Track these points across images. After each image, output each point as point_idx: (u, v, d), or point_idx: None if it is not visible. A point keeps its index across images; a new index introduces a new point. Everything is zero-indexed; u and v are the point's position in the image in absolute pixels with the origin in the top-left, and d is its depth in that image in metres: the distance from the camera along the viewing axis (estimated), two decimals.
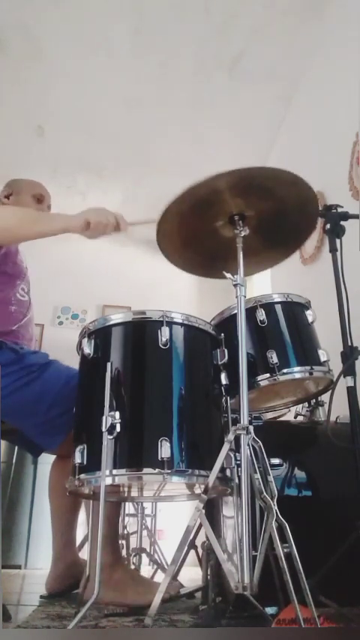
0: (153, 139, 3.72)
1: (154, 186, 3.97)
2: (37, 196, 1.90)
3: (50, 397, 1.50)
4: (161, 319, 1.31)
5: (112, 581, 1.35)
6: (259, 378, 1.46)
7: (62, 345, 1.95)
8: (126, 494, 1.57)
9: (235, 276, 1.30)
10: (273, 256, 1.57)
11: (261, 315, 1.53)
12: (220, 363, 1.36)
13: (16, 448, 3.37)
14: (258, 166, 1.27)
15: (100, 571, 1.10)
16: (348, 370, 1.38)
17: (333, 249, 1.55)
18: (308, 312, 1.60)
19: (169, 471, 1.14)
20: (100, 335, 1.35)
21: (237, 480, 1.12)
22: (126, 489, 1.53)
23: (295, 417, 1.76)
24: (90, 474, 1.20)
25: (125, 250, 4.58)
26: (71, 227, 1.49)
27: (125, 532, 2.39)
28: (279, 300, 1.59)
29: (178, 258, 1.52)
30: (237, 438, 1.13)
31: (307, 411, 1.72)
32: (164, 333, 1.28)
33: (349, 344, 1.43)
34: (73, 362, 1.49)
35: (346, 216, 1.58)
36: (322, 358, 1.51)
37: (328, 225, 1.57)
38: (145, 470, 1.16)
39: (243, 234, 1.36)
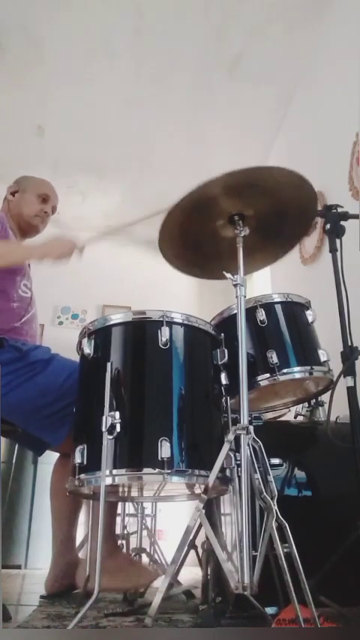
0: (153, 139, 3.72)
1: (154, 186, 3.97)
2: (43, 196, 1.90)
3: (53, 391, 1.50)
4: (161, 319, 1.31)
5: (106, 570, 1.36)
6: (259, 378, 1.46)
7: (62, 345, 1.94)
8: (126, 494, 1.57)
9: (235, 276, 1.30)
10: (273, 253, 1.57)
11: (261, 315, 1.53)
12: (220, 363, 1.36)
13: (16, 448, 3.37)
14: (252, 167, 1.28)
15: (97, 564, 1.10)
16: (348, 370, 1.38)
17: (333, 249, 1.55)
18: (308, 312, 1.60)
19: (169, 471, 1.14)
20: (100, 335, 1.35)
21: (237, 480, 1.12)
22: (126, 489, 1.53)
23: (295, 417, 1.76)
24: (90, 474, 1.20)
25: (125, 250, 4.57)
26: (32, 257, 1.63)
27: (125, 532, 2.39)
28: (279, 300, 1.59)
29: (180, 262, 1.53)
30: (237, 438, 1.13)
31: (307, 411, 1.72)
32: (164, 333, 1.29)
33: (349, 344, 1.43)
34: None
35: (346, 216, 1.58)
36: (322, 358, 1.51)
37: (328, 225, 1.57)
38: (145, 470, 1.16)
39: (243, 234, 1.36)
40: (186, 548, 1.66)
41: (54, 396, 1.49)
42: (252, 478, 1.09)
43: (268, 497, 1.08)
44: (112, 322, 1.35)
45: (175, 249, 1.48)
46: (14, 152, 3.70)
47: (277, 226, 1.45)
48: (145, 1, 2.78)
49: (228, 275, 1.31)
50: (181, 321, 1.34)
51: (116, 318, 1.35)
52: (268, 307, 1.55)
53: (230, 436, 1.13)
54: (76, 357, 1.43)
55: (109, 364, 1.24)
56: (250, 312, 1.51)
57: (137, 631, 1.07)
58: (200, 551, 1.44)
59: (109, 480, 1.16)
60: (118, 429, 1.17)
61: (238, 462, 1.13)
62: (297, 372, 1.47)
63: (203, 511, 1.07)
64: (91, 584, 1.21)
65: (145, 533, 2.42)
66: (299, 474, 1.48)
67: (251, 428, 1.13)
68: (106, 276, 4.52)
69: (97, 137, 3.69)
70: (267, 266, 1.66)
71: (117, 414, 1.18)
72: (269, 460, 1.14)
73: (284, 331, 1.54)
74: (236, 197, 1.35)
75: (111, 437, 1.17)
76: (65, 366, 1.56)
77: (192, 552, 1.87)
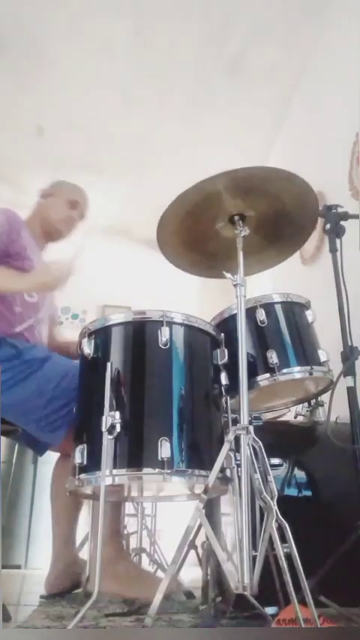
0: (153, 139, 3.72)
1: (154, 186, 3.96)
2: (72, 202, 1.92)
3: (49, 390, 1.49)
4: (161, 319, 1.31)
5: (114, 575, 1.36)
6: (259, 378, 1.46)
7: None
8: (126, 494, 1.57)
9: (235, 276, 1.30)
10: (275, 255, 1.57)
11: (261, 315, 1.52)
12: (220, 363, 1.36)
13: (16, 448, 3.37)
14: (250, 166, 1.27)
15: (101, 565, 1.10)
16: (348, 370, 1.38)
17: (333, 249, 1.55)
18: (308, 312, 1.60)
19: (169, 471, 1.14)
20: (100, 335, 1.35)
21: (237, 480, 1.12)
22: (126, 489, 1.53)
23: (295, 417, 1.76)
24: (90, 474, 1.20)
25: (125, 250, 4.58)
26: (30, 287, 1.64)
27: (125, 532, 2.39)
28: (279, 300, 1.59)
29: (180, 260, 1.53)
30: (237, 438, 1.13)
31: (307, 411, 1.72)
32: (164, 333, 1.28)
33: (349, 344, 1.43)
34: None
35: (346, 216, 1.58)
36: (322, 358, 1.51)
37: (328, 225, 1.57)
38: (145, 470, 1.16)
39: (243, 234, 1.36)
40: (186, 548, 1.66)
41: (50, 395, 1.48)
42: (252, 478, 1.09)
43: (268, 497, 1.08)
44: (112, 322, 1.35)
45: (175, 247, 1.48)
46: (14, 152, 3.70)
47: (278, 228, 1.45)
48: (145, 1, 2.78)
49: (228, 275, 1.31)
50: (181, 321, 1.34)
51: (116, 318, 1.35)
52: (268, 307, 1.55)
53: (230, 436, 1.13)
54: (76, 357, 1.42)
55: (109, 364, 1.24)
56: (250, 312, 1.51)
57: (137, 631, 1.07)
58: (200, 551, 1.44)
59: (109, 480, 1.16)
60: (118, 429, 1.17)
61: (238, 462, 1.13)
62: (297, 372, 1.47)
63: (203, 511, 1.07)
64: (91, 584, 1.21)
65: (145, 533, 2.42)
66: (299, 473, 1.48)
67: (251, 428, 1.13)
68: (106, 276, 4.52)
69: (97, 137, 3.69)
70: (269, 268, 1.66)
71: (117, 414, 1.18)
72: (269, 460, 1.13)
73: (284, 331, 1.54)
74: (237, 198, 1.34)
75: (111, 437, 1.17)
76: (61, 366, 1.55)
77: (192, 552, 1.87)
